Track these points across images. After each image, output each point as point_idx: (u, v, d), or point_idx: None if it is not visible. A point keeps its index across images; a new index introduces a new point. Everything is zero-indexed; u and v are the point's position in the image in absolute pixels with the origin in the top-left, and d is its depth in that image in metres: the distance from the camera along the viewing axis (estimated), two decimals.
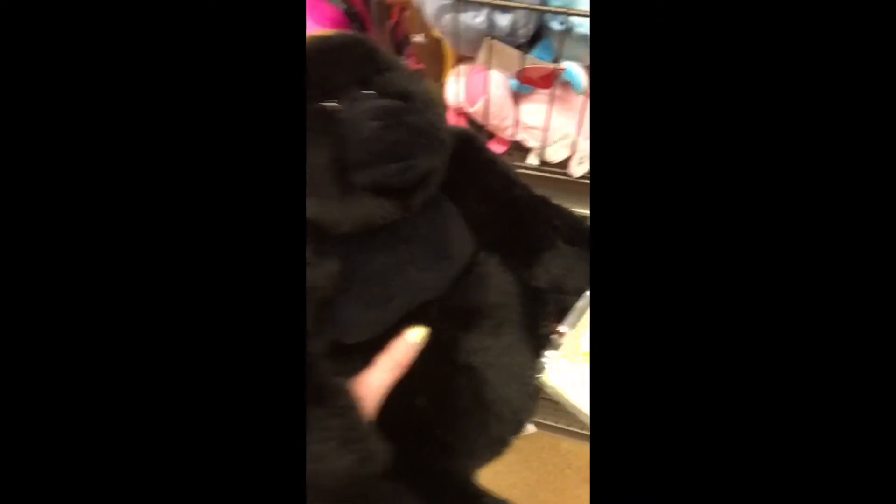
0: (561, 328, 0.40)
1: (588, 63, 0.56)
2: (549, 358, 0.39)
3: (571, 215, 0.42)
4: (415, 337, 0.36)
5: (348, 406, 0.33)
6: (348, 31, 0.36)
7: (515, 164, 0.64)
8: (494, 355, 0.38)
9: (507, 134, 0.62)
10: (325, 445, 0.30)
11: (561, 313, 0.40)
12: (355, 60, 0.35)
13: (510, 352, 0.39)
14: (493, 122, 0.62)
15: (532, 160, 0.64)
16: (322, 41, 0.35)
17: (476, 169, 0.41)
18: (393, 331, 0.36)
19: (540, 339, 0.40)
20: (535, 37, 0.58)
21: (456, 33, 0.56)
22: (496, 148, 0.65)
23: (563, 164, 0.63)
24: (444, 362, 0.37)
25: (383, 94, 0.35)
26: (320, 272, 0.34)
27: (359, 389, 0.35)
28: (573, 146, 0.61)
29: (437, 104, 0.36)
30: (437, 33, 0.61)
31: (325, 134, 0.33)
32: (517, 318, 0.40)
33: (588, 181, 0.62)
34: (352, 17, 0.72)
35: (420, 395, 0.36)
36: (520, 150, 0.64)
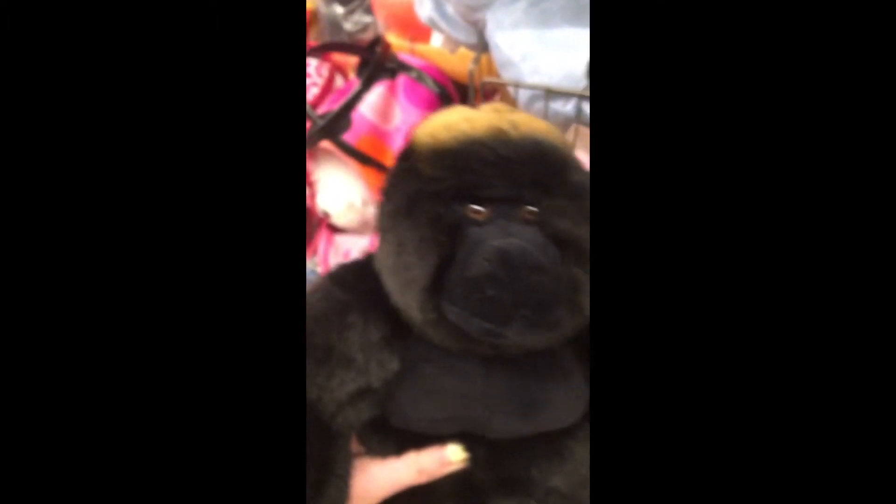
0: None
1: None
2: None
3: None
4: (453, 455, 0.33)
5: (343, 475, 0.32)
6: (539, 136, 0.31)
7: None
8: None
9: None
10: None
11: None
12: (538, 169, 0.30)
13: None
14: None
15: None
16: (503, 140, 0.30)
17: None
18: (439, 440, 0.33)
19: None
20: None
21: (545, 118, 0.61)
22: None
23: None
24: None
25: (550, 222, 0.30)
26: (376, 365, 0.32)
27: (374, 471, 0.33)
28: None
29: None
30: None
31: (442, 243, 0.29)
32: None
33: None
34: (444, 99, 0.78)
35: None
36: None
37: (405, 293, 0.30)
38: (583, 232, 0.30)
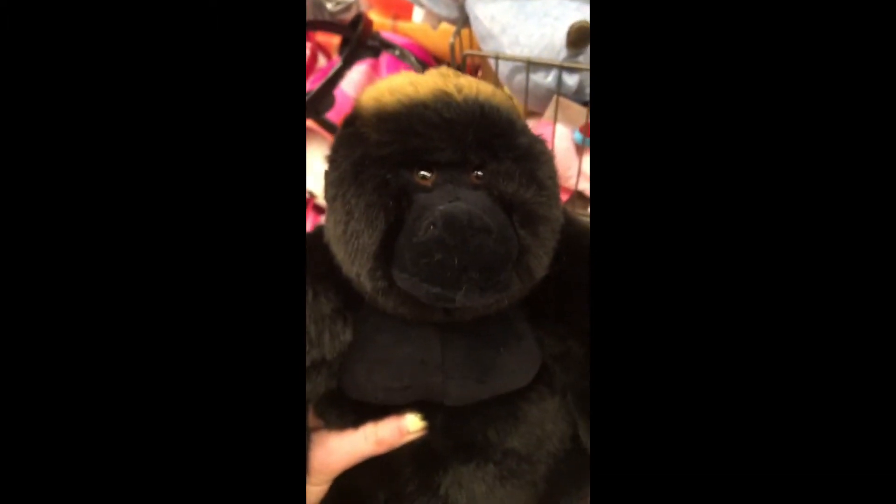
0: None
1: None
2: None
3: None
4: (411, 424, 0.32)
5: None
6: (481, 98, 0.30)
7: (578, 212, 0.67)
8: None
9: (571, 183, 0.66)
10: None
11: None
12: (484, 134, 0.30)
13: None
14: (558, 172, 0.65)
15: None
16: (447, 102, 0.29)
17: (572, 299, 0.34)
18: (396, 410, 0.33)
19: None
20: None
21: (527, 91, 0.60)
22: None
23: None
24: (423, 477, 0.33)
25: (496, 183, 0.30)
26: (329, 337, 0.32)
27: (332, 443, 0.33)
28: None
29: (547, 220, 0.30)
30: (507, 91, 0.65)
31: (390, 209, 0.29)
32: (534, 478, 0.34)
33: None
34: None
35: (384, 491, 0.34)
36: (581, 198, 0.67)
37: (355, 262, 0.29)
38: (530, 194, 0.30)
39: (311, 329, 0.31)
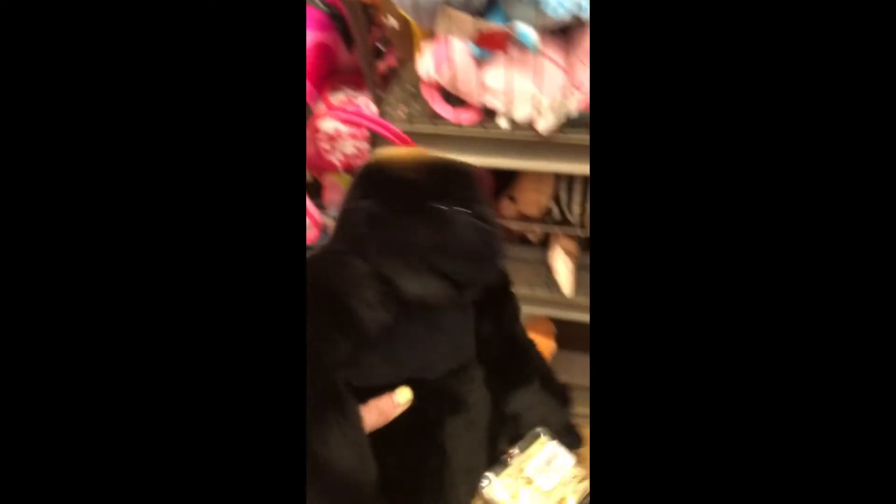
0: (512, 451, 0.48)
1: (535, 23, 0.60)
2: (495, 475, 0.46)
3: (546, 364, 0.53)
4: (401, 397, 0.42)
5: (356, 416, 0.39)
6: (461, 162, 0.44)
7: (485, 126, 0.68)
8: (463, 447, 0.44)
9: (474, 98, 0.67)
10: (332, 444, 0.36)
11: (514, 440, 0.49)
12: (463, 184, 0.43)
13: (473, 451, 0.46)
14: (461, 87, 0.63)
15: (501, 123, 0.67)
16: (449, 163, 0.43)
17: (496, 301, 0.49)
18: (390, 388, 0.42)
19: (493, 454, 0.47)
20: (489, 4, 0.63)
21: (416, 8, 0.61)
22: (467, 116, 0.70)
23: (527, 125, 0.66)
24: (422, 435, 0.43)
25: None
26: (379, 317, 0.40)
27: None
28: (536, 104, 0.64)
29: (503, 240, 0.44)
30: (403, 13, 0.66)
31: (433, 223, 0.40)
32: (485, 426, 0.47)
33: (557, 137, 0.66)
34: (335, 18, 0.78)
35: (393, 453, 0.41)
36: (489, 113, 0.68)
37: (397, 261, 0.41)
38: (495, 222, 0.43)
39: (365, 312, 0.40)
